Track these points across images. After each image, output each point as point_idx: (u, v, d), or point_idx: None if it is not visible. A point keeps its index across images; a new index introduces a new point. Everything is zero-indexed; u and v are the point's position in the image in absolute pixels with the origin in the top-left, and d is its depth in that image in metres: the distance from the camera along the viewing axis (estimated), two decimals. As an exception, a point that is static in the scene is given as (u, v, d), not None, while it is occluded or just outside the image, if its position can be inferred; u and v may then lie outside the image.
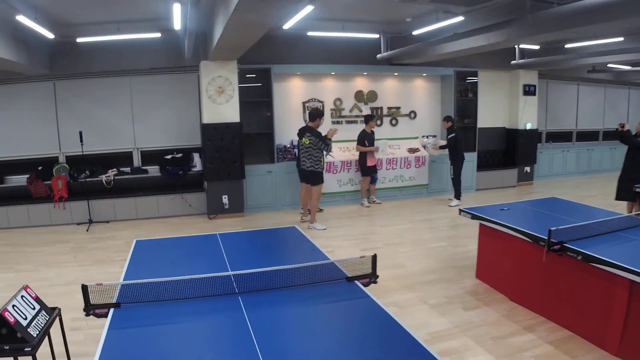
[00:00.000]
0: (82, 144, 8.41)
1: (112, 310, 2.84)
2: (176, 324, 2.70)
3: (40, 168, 8.87)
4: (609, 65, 12.13)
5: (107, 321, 2.70)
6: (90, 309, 2.88)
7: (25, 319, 2.85)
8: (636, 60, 9.73)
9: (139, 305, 2.89)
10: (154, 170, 9.47)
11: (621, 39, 8.62)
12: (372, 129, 9.69)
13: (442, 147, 10.10)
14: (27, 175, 8.76)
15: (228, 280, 3.13)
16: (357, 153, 9.76)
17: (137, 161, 9.50)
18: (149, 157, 9.53)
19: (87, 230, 8.21)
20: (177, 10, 6.09)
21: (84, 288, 2.89)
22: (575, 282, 4.23)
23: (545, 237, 4.20)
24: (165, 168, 9.36)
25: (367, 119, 9.61)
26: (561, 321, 4.40)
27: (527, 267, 4.78)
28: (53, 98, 8.88)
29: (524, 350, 3.98)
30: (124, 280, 3.26)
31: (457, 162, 9.80)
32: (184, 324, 2.70)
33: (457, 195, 9.89)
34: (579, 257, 3.96)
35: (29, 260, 6.70)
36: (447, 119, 9.88)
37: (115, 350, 2.38)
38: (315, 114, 8.15)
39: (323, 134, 8.00)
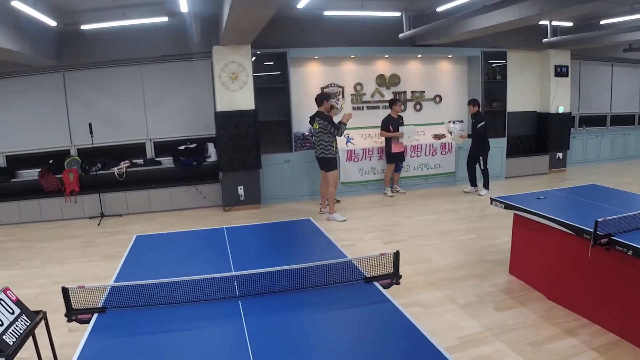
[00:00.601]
0: (92, 136, 8.14)
1: (95, 315, 2.50)
2: (162, 333, 2.36)
3: (51, 162, 8.66)
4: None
5: (88, 328, 2.37)
6: (73, 314, 2.55)
7: (2, 325, 2.56)
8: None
9: (126, 310, 2.56)
10: (167, 162, 9.19)
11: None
12: (398, 114, 9.23)
13: (470, 136, 9.47)
14: (39, 170, 8.53)
15: (229, 281, 2.75)
16: (380, 140, 9.34)
17: (150, 152, 9.22)
18: (162, 148, 9.24)
19: (98, 225, 7.96)
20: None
21: (65, 291, 2.56)
22: (624, 280, 3.73)
23: (590, 229, 3.72)
24: (179, 159, 9.06)
25: (392, 103, 9.17)
26: (607, 324, 3.91)
27: (568, 263, 4.30)
28: (63, 90, 8.63)
29: (567, 358, 3.52)
30: (116, 280, 2.93)
31: (485, 152, 9.25)
32: (170, 333, 2.35)
33: (487, 185, 9.35)
34: (630, 252, 3.48)
35: (36, 257, 6.46)
36: (472, 102, 9.25)
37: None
38: (321, 98, 7.78)
39: (339, 119, 7.65)
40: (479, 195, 9.14)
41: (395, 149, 9.16)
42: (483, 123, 9.01)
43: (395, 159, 9.30)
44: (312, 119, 7.77)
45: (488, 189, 9.28)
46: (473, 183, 9.49)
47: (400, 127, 9.11)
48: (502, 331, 3.94)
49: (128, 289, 2.61)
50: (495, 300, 4.57)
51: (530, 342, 3.75)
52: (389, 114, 9.13)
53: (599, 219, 3.66)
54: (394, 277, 2.89)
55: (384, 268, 2.91)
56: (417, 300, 4.59)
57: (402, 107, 9.98)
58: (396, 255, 2.91)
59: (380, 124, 9.20)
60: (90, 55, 8.48)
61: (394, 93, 10.09)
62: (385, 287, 2.80)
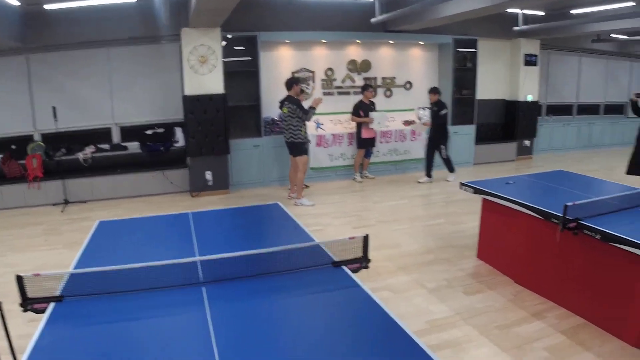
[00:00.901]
0: (56, 120, 7.85)
1: (52, 305, 2.37)
2: (120, 322, 2.23)
3: (13, 147, 8.29)
4: (614, 35, 11.62)
5: (43, 318, 2.23)
6: (28, 303, 2.41)
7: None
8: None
9: (85, 298, 2.42)
10: (134, 147, 8.90)
11: (632, 3, 8.06)
12: (370, 100, 9.17)
13: (433, 124, 9.27)
14: (1, 156, 8.19)
15: (192, 267, 2.64)
16: (350, 125, 9.29)
17: (116, 137, 8.92)
18: (129, 132, 8.94)
19: (62, 211, 7.70)
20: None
21: (19, 279, 2.40)
22: (591, 264, 3.77)
23: (559, 214, 3.74)
24: (146, 144, 8.81)
25: (364, 89, 9.13)
26: (574, 307, 3.96)
27: (536, 247, 4.32)
28: (26, 72, 8.23)
29: (534, 341, 3.54)
30: (76, 268, 2.78)
31: (445, 140, 9.18)
32: (129, 322, 2.23)
33: (452, 169, 9.36)
34: (597, 236, 3.50)
35: (-5, 245, 6.21)
36: (433, 90, 9.14)
37: (45, 354, 1.93)
38: (291, 82, 7.65)
39: (309, 104, 7.55)
40: (447, 181, 9.14)
41: (365, 134, 9.11)
42: (446, 111, 8.98)
43: (365, 145, 9.25)
44: (282, 103, 7.63)
45: (454, 172, 9.35)
46: (429, 174, 9.34)
47: (370, 113, 9.04)
48: (470, 315, 3.94)
49: (86, 276, 2.49)
50: (464, 284, 4.58)
51: (498, 325, 3.76)
52: (361, 100, 9.07)
53: (568, 204, 3.68)
54: (362, 262, 2.83)
55: (353, 252, 2.84)
56: (386, 284, 4.57)
57: (374, 92, 9.93)
58: (365, 239, 2.84)
59: (351, 110, 9.13)
60: (55, 36, 8.11)
61: (365, 79, 10.01)
62: (354, 271, 2.75)
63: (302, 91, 8.07)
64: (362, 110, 8.99)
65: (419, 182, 9.20)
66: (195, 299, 2.39)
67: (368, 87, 9.15)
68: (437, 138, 9.11)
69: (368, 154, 9.48)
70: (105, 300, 2.40)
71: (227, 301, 2.39)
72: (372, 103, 9.22)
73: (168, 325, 2.21)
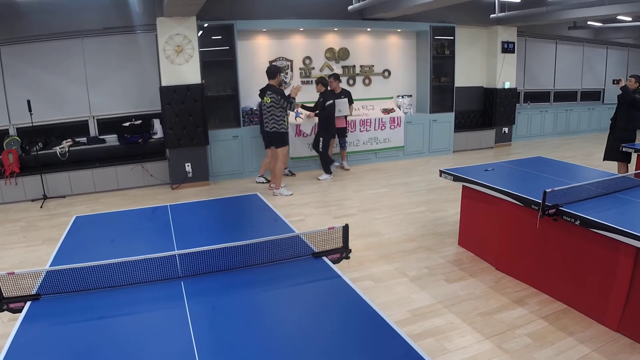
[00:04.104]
0: (31, 114, 7.61)
1: (28, 303, 2.30)
2: (98, 319, 2.16)
3: (-13, 142, 8.09)
4: (590, 22, 11.71)
5: (20, 318, 2.17)
6: (3, 303, 2.33)
7: None
8: (620, 12, 9.27)
9: (62, 296, 2.36)
10: (111, 139, 8.76)
11: (607, -11, 8.12)
12: (343, 89, 9.06)
13: (317, 115, 8.73)
14: (-25, 151, 7.96)
15: (171, 261, 2.58)
16: None
17: (93, 130, 8.75)
18: (106, 125, 8.79)
19: (40, 207, 7.52)
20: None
21: (-7, 279, 2.33)
22: (571, 250, 3.79)
23: (539, 200, 3.74)
24: (124, 136, 8.65)
25: (329, 79, 8.88)
26: (555, 293, 3.98)
27: (517, 234, 4.34)
28: (-1, 66, 8.05)
29: (516, 327, 3.55)
30: (52, 265, 2.71)
31: (327, 134, 8.62)
32: (107, 319, 2.17)
33: (328, 171, 8.80)
34: (577, 222, 3.52)
35: (-30, 242, 6.04)
36: (320, 81, 8.62)
37: (22, 353, 1.88)
38: (275, 70, 7.47)
39: (287, 93, 7.45)
40: (318, 179, 8.67)
41: None
42: (332, 101, 8.55)
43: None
44: (263, 93, 7.49)
45: (330, 174, 8.80)
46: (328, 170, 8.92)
47: (336, 103, 8.83)
48: (452, 303, 3.94)
49: (64, 273, 2.42)
50: (445, 272, 4.58)
51: (480, 312, 3.77)
52: (327, 89, 8.85)
53: (547, 190, 3.68)
54: (343, 252, 2.80)
55: (333, 242, 2.81)
56: (368, 274, 4.54)
57: (351, 81, 9.88)
58: (345, 228, 2.81)
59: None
60: (27, 28, 7.87)
61: (343, 67, 9.97)
62: (335, 261, 2.72)
63: (282, 80, 7.95)
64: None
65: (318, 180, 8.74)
66: (174, 294, 2.34)
67: (330, 77, 8.90)
68: (320, 131, 8.71)
69: (342, 145, 9.37)
70: (84, 297, 2.35)
71: (206, 295, 2.34)
72: (345, 92, 9.01)
73: (147, 321, 2.15)
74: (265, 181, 8.38)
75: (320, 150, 8.67)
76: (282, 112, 7.33)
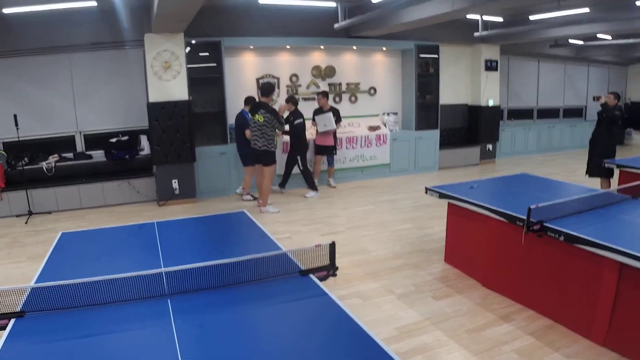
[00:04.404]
0: (17, 129, 7.53)
1: (12, 321, 2.27)
2: (84, 338, 2.15)
3: (-27, 157, 8.01)
4: (571, 41, 11.95)
5: (4, 335, 2.14)
6: (-13, 321, 2.30)
7: None
8: (601, 31, 9.49)
9: (48, 313, 2.33)
10: (98, 155, 8.69)
11: (587, 9, 8.30)
12: (332, 107, 9.11)
13: (285, 134, 8.62)
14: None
15: (157, 278, 2.57)
16: (314, 132, 9.16)
17: (80, 146, 8.70)
18: (93, 141, 8.74)
19: (26, 223, 7.43)
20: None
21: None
22: (556, 265, 3.82)
23: (523, 217, 3.79)
24: (111, 152, 8.59)
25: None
26: (541, 308, 4.00)
27: (502, 250, 4.37)
28: (-15, 80, 8.00)
29: (503, 344, 3.56)
30: (38, 281, 2.68)
31: (303, 151, 8.71)
32: (93, 337, 2.15)
33: (314, 187, 8.81)
34: (561, 238, 3.56)
35: (-47, 259, 5.94)
36: (290, 100, 8.58)
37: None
38: (269, 89, 7.52)
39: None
40: (305, 197, 8.65)
41: (317, 140, 9.06)
42: (301, 120, 8.54)
43: (319, 151, 9.16)
44: (255, 110, 7.42)
45: (316, 191, 8.79)
46: (282, 184, 9.00)
47: (316, 117, 8.94)
48: (440, 320, 3.94)
49: (49, 290, 2.40)
50: (433, 289, 4.59)
51: (467, 329, 3.77)
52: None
53: (532, 206, 3.72)
54: (330, 269, 2.80)
55: (320, 260, 2.82)
56: (355, 291, 4.54)
57: (337, 98, 9.97)
58: (332, 246, 2.82)
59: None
60: (15, 41, 7.85)
61: (330, 85, 10.04)
62: (322, 279, 2.72)
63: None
64: (315, 116, 8.99)
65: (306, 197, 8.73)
66: (161, 312, 2.33)
67: (319, 93, 9.00)
68: (293, 149, 8.70)
69: (330, 162, 9.37)
70: (69, 314, 2.33)
71: (193, 313, 2.33)
72: (333, 109, 9.02)
73: (133, 339, 2.13)
74: (252, 199, 8.35)
75: (301, 168, 8.70)
76: (272, 132, 7.33)
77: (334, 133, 9.05)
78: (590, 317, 3.55)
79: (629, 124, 15.35)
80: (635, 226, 3.81)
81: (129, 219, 7.48)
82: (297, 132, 8.55)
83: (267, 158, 7.47)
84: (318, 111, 8.95)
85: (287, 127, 8.31)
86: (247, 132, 7.82)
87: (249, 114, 7.68)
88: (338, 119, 9.02)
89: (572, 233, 3.49)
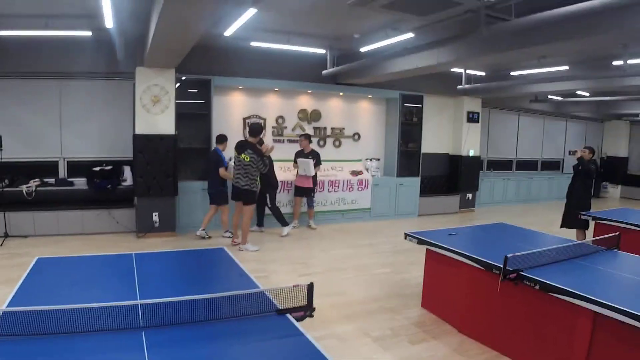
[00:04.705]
0: (0, 150, 7.52)
1: (-21, 346, 2.21)
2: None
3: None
4: (550, 96, 12.35)
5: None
6: (-47, 345, 2.25)
7: None
8: (579, 88, 9.85)
9: (19, 339, 2.28)
10: (80, 183, 8.65)
11: (566, 67, 8.64)
12: (313, 150, 9.26)
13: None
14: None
15: (133, 310, 2.55)
16: (292, 173, 9.33)
17: (62, 172, 8.68)
18: (76, 168, 8.72)
19: (0, 245, 7.31)
20: (106, 4, 5.49)
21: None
22: (531, 314, 3.86)
23: (500, 265, 3.84)
24: (93, 181, 8.56)
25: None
26: (516, 356, 4.02)
27: (478, 297, 4.40)
28: (-29, 99, 7.99)
29: (477, 391, 3.55)
30: (9, 306, 2.62)
31: (272, 188, 8.76)
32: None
33: (284, 223, 8.76)
34: (537, 287, 3.62)
35: None
36: (305, 136, 9.15)
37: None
38: (258, 129, 7.60)
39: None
40: (281, 236, 8.63)
41: (297, 182, 9.16)
42: (267, 157, 8.33)
43: (298, 193, 9.25)
44: (241, 149, 7.45)
45: (288, 225, 8.78)
46: (260, 223, 9.05)
47: (298, 160, 9.09)
48: (415, 365, 3.93)
49: (21, 315, 2.35)
50: (409, 333, 4.58)
51: (441, 375, 3.77)
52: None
53: (508, 255, 3.79)
54: (307, 310, 2.81)
55: (298, 300, 2.83)
56: (331, 333, 4.51)
57: (322, 142, 10.12)
58: (310, 287, 2.84)
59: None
60: (7, 63, 7.90)
61: (315, 128, 10.20)
62: (299, 319, 2.72)
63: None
64: (296, 158, 9.12)
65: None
66: (134, 345, 2.30)
67: (300, 136, 9.21)
68: (263, 187, 8.57)
69: (309, 204, 9.43)
70: (41, 341, 2.28)
71: (168, 347, 2.30)
72: (313, 153, 9.17)
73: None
74: (230, 236, 8.29)
75: (269, 205, 8.74)
76: (256, 172, 7.40)
77: (314, 176, 9.16)
78: (564, 366, 3.58)
79: (605, 178, 15.78)
80: (609, 276, 3.90)
81: (107, 248, 7.38)
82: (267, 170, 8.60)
83: (249, 197, 7.50)
84: (300, 153, 9.05)
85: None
86: (221, 171, 7.89)
87: (235, 152, 7.71)
88: (318, 162, 9.13)
89: (547, 282, 3.55)
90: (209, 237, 8.22)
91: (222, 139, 8.26)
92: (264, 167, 7.40)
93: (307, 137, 9.12)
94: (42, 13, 6.75)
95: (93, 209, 8.29)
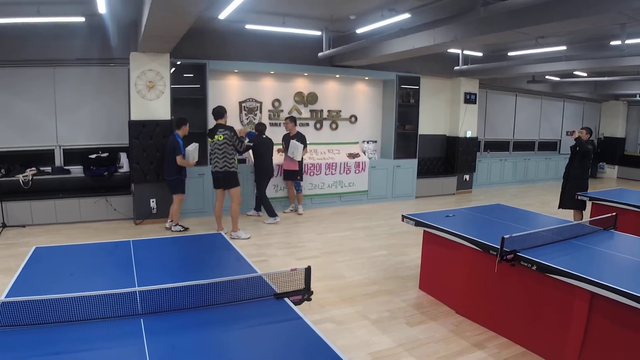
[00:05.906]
0: (-5, 139, 7.50)
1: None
2: (53, 355, 2.10)
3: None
4: (548, 77, 12.29)
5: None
6: (-51, 336, 2.24)
7: None
8: (577, 68, 9.80)
9: (16, 329, 2.28)
10: (77, 171, 8.61)
11: (564, 47, 8.58)
12: (290, 131, 9.09)
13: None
14: None
15: (131, 297, 2.55)
16: (282, 157, 9.28)
17: (58, 160, 8.62)
18: (72, 156, 8.67)
19: (-2, 235, 7.32)
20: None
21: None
22: (529, 294, 3.89)
23: (497, 246, 3.85)
24: (89, 168, 8.52)
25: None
26: (513, 336, 4.05)
27: (476, 278, 4.43)
28: (-32, 89, 7.91)
29: (475, 371, 3.58)
30: (8, 296, 2.61)
31: (264, 177, 8.67)
32: (62, 355, 2.10)
33: (272, 214, 8.56)
34: (534, 267, 3.63)
35: None
36: (290, 119, 9.06)
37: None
38: (222, 111, 7.38)
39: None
40: (265, 223, 8.50)
41: (285, 165, 9.13)
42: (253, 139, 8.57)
43: (287, 176, 9.23)
44: (213, 132, 7.32)
45: (274, 217, 8.54)
46: (258, 207, 9.04)
47: (288, 142, 8.99)
48: (413, 346, 3.96)
49: (19, 305, 2.35)
50: (407, 315, 4.61)
51: (440, 356, 3.80)
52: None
53: (505, 236, 3.80)
54: (305, 293, 2.82)
55: (295, 284, 2.84)
56: (329, 316, 4.53)
57: (318, 125, 10.09)
58: (307, 270, 2.85)
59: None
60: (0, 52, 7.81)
61: (311, 111, 10.15)
62: (297, 303, 2.73)
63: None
64: (284, 141, 9.08)
65: (248, 215, 8.97)
66: (133, 331, 2.31)
67: (287, 118, 9.13)
68: (256, 175, 8.77)
69: (296, 188, 9.39)
70: (39, 330, 2.29)
71: (166, 334, 2.31)
72: (299, 135, 9.08)
73: (104, 358, 2.11)
74: (183, 229, 7.87)
75: (258, 194, 8.75)
76: (233, 151, 7.24)
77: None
78: (561, 345, 3.61)
79: (602, 158, 15.80)
80: (605, 257, 3.92)
81: (105, 236, 7.41)
82: (256, 155, 8.60)
83: (231, 180, 7.32)
84: (286, 137, 9.05)
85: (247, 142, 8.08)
86: (179, 159, 7.53)
87: (208, 139, 7.57)
88: (303, 144, 9.01)
89: (544, 263, 3.56)
90: (185, 229, 7.90)
91: (181, 122, 7.76)
92: (239, 143, 7.25)
93: (293, 120, 9.09)
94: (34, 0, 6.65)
95: (90, 197, 8.27)
